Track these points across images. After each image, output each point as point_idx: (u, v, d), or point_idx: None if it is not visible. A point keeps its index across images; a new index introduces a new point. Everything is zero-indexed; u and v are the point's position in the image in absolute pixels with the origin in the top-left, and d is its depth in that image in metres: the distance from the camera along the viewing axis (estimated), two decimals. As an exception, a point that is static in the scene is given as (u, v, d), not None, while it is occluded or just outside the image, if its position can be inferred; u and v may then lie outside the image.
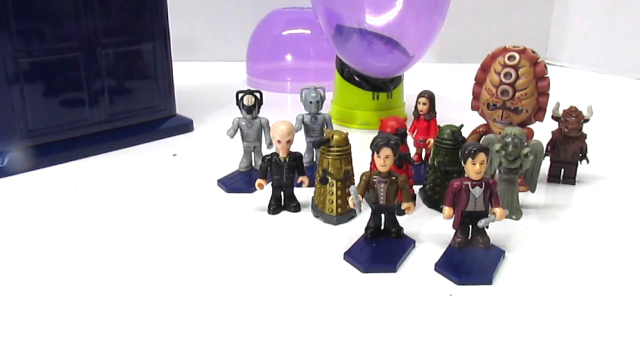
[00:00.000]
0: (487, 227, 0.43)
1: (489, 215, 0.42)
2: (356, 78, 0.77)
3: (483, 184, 0.42)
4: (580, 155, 0.57)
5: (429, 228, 0.48)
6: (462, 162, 0.42)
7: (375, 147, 0.42)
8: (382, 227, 0.45)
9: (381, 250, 0.43)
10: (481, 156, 0.41)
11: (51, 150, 0.62)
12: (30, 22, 0.57)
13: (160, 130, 0.71)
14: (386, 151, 0.42)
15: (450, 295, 0.38)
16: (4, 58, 0.56)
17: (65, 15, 0.60)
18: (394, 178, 0.43)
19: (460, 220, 0.43)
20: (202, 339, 0.34)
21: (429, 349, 0.33)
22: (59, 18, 0.59)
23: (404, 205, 0.44)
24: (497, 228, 0.46)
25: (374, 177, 0.43)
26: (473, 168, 0.41)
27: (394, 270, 0.41)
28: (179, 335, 0.34)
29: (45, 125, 0.61)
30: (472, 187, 0.42)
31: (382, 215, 0.45)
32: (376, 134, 0.47)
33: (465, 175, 0.42)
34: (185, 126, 0.74)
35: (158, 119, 0.72)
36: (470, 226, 0.44)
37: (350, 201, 0.43)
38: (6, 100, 0.58)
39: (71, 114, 0.63)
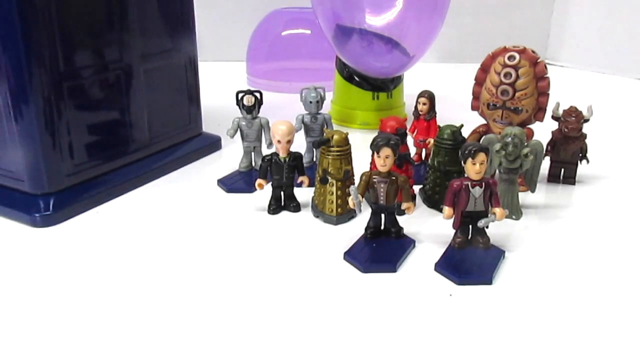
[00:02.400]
0: (487, 227, 0.43)
1: (489, 215, 0.42)
2: (356, 78, 0.77)
3: (483, 184, 0.42)
4: (580, 155, 0.57)
5: (429, 228, 0.48)
6: (462, 162, 0.42)
7: (375, 147, 0.42)
8: (382, 227, 0.45)
9: (381, 250, 0.43)
10: (481, 156, 0.41)
11: (96, 186, 0.53)
12: (75, 39, 0.49)
13: (191, 152, 0.64)
14: (386, 151, 0.42)
15: (450, 295, 0.38)
16: (49, 80, 0.47)
17: (106, 30, 0.52)
18: (394, 178, 0.43)
19: (460, 220, 0.43)
20: (203, 339, 0.34)
21: (429, 349, 0.33)
22: (100, 34, 0.52)
23: (404, 205, 0.44)
24: (497, 228, 0.46)
25: (374, 177, 0.43)
26: (473, 168, 0.41)
27: (394, 270, 0.41)
28: (179, 335, 0.34)
29: (91, 157, 0.52)
30: (472, 187, 0.42)
31: (382, 215, 0.45)
32: (376, 134, 0.47)
33: (465, 175, 0.42)
34: (214, 144, 0.68)
35: (187, 139, 0.65)
36: (470, 226, 0.44)
37: (350, 201, 0.43)
38: (50, 130, 0.48)
39: (115, 141, 0.55)
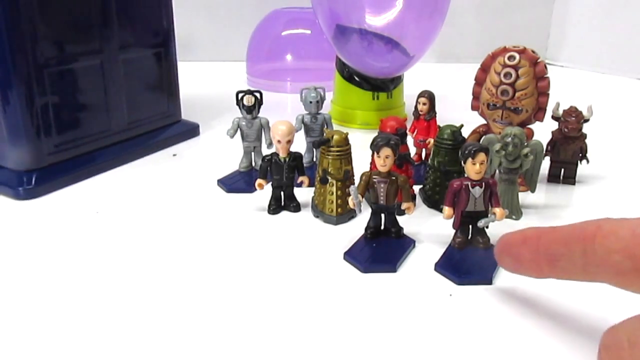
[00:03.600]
0: (487, 227, 0.43)
1: (489, 215, 0.42)
2: (356, 78, 0.77)
3: (483, 184, 0.42)
4: (580, 155, 0.57)
5: (429, 228, 0.48)
6: (462, 162, 0.42)
7: (375, 147, 0.42)
8: (382, 227, 0.45)
9: (381, 250, 0.43)
10: (481, 156, 0.41)
11: (75, 165, 0.58)
12: (55, 29, 0.54)
13: (169, 137, 0.70)
14: (386, 151, 0.42)
15: (450, 295, 0.38)
16: (30, 67, 0.52)
17: (85, 21, 0.58)
18: (394, 178, 0.43)
19: (460, 220, 0.43)
20: (203, 339, 0.34)
21: (429, 349, 0.33)
22: (80, 25, 0.57)
23: (404, 205, 0.44)
24: (497, 228, 0.46)
25: (374, 177, 0.43)
26: (473, 168, 0.41)
27: (394, 270, 0.41)
28: (179, 335, 0.34)
29: (70, 138, 0.58)
30: (472, 187, 0.42)
31: (382, 215, 0.45)
32: (376, 134, 0.47)
33: (465, 175, 0.42)
34: (192, 131, 0.74)
35: (166, 125, 0.71)
36: (470, 226, 0.44)
37: (351, 201, 0.43)
38: (32, 113, 0.53)
39: (94, 124, 0.60)
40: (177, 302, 0.37)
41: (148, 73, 0.67)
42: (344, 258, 0.43)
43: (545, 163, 0.55)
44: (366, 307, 0.37)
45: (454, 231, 0.44)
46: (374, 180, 0.43)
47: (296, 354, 0.33)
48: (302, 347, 0.33)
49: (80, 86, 0.58)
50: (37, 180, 0.54)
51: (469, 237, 0.44)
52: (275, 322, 0.35)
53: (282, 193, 0.51)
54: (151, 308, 0.37)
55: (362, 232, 0.45)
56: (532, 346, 0.34)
